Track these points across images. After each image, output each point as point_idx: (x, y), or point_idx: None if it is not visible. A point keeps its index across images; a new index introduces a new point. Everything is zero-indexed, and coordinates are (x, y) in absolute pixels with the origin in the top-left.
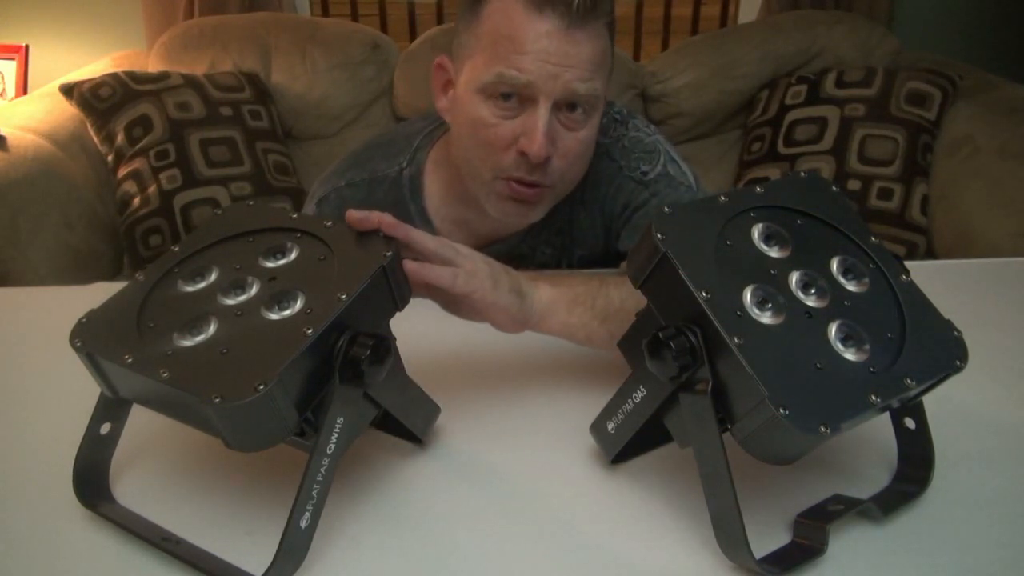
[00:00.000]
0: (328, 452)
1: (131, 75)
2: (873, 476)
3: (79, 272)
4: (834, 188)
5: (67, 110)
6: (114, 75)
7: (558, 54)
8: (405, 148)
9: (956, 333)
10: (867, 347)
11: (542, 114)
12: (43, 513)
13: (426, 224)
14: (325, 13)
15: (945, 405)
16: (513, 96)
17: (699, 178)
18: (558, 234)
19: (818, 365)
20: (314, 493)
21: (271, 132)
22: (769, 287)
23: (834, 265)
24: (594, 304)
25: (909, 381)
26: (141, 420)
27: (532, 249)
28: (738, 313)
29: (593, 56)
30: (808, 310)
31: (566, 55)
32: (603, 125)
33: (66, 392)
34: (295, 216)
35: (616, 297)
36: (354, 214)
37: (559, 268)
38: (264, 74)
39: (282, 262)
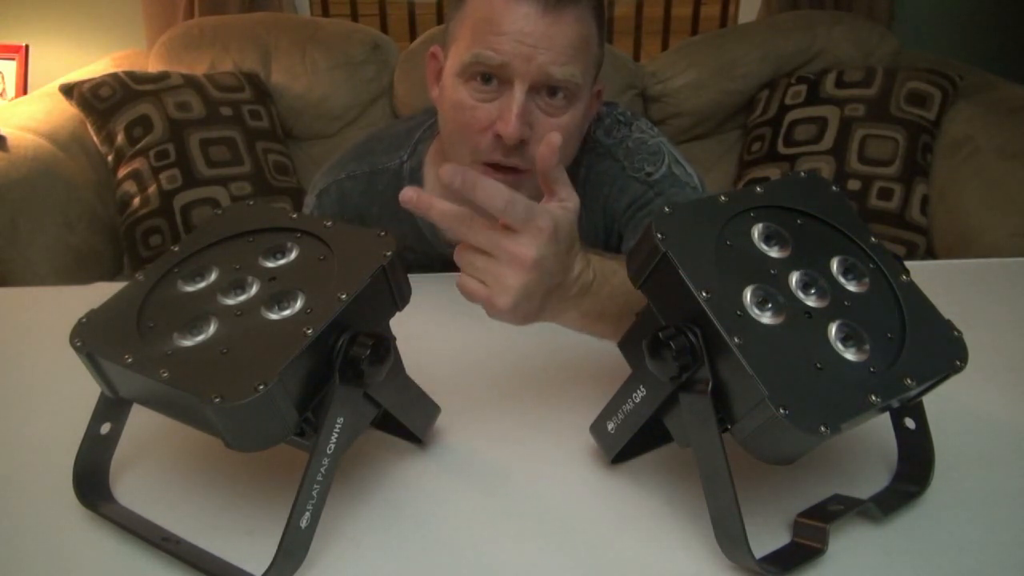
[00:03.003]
0: (328, 452)
1: (131, 75)
2: (873, 476)
3: (79, 272)
4: (834, 188)
5: (67, 110)
6: (114, 75)
7: (534, 36)
8: (406, 141)
9: (956, 333)
10: (867, 347)
11: (517, 96)
12: (43, 513)
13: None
14: (325, 13)
15: (945, 405)
16: (493, 79)
17: (704, 181)
18: None
19: (818, 365)
20: (314, 493)
21: (271, 132)
22: (769, 287)
23: (834, 265)
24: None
25: (909, 381)
26: (141, 420)
27: None
28: (738, 313)
29: (572, 40)
30: (808, 310)
31: (543, 37)
32: (606, 126)
33: (66, 392)
34: (295, 216)
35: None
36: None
37: None
38: (264, 74)
39: (282, 262)
